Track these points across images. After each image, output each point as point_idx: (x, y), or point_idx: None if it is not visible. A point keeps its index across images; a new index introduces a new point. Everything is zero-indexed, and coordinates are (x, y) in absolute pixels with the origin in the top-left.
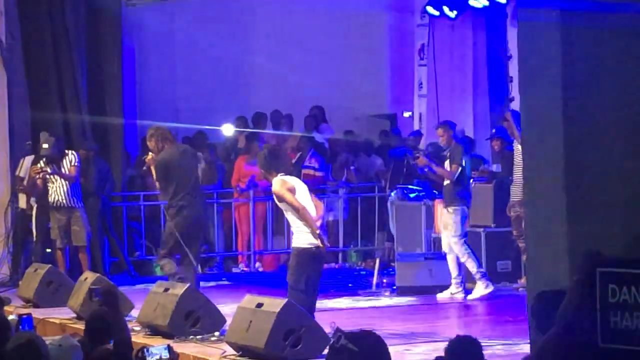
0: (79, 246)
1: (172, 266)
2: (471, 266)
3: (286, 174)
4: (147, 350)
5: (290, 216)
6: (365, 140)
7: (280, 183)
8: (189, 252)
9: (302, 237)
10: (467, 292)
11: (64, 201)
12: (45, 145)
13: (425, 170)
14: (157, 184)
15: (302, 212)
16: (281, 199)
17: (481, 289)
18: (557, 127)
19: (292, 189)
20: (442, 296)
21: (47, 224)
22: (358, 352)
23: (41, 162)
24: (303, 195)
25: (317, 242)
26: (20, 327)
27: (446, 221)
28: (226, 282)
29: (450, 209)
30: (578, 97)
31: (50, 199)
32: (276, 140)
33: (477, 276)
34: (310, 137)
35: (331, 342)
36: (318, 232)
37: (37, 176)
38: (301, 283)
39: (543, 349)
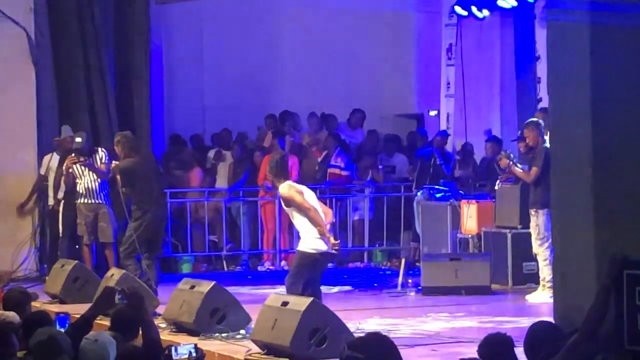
0: (106, 243)
1: (136, 267)
2: (548, 272)
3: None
4: (175, 350)
5: (297, 220)
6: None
7: (287, 187)
8: (149, 254)
9: (307, 242)
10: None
11: (92, 197)
12: (78, 140)
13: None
14: (122, 189)
15: (313, 213)
16: (289, 203)
17: (545, 295)
18: (585, 128)
19: (300, 192)
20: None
21: (74, 220)
22: (365, 358)
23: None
24: (312, 199)
25: (323, 248)
26: (58, 325)
27: (531, 224)
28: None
29: (532, 211)
30: (607, 98)
31: (78, 195)
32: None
33: (548, 284)
34: (336, 135)
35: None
36: (328, 229)
37: (72, 166)
38: (297, 287)
39: (568, 351)
